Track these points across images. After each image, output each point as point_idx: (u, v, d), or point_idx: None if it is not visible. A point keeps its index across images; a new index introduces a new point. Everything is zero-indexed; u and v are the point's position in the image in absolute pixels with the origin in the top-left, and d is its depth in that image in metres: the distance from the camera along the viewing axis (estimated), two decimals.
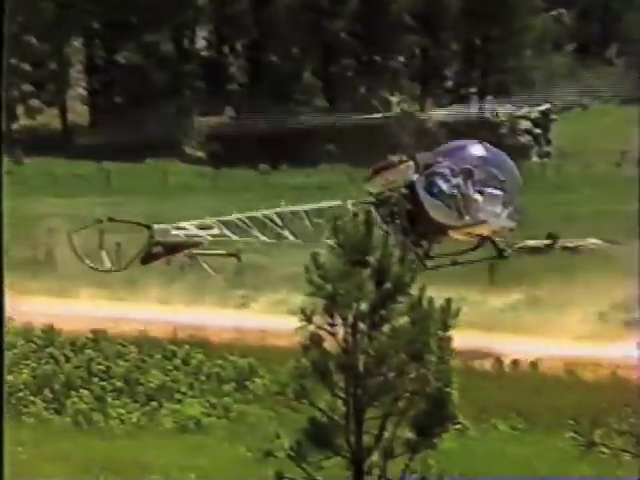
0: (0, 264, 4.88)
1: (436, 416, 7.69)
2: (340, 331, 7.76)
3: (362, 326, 7.76)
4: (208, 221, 25.71)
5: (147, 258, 26.60)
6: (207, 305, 28.79)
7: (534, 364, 22.65)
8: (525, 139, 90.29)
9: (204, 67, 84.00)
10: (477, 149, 26.60)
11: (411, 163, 26.17)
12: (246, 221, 24.79)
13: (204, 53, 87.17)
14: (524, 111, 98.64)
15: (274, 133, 79.57)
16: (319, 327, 7.78)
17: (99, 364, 22.00)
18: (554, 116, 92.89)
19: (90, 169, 64.18)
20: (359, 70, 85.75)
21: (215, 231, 25.99)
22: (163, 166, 70.52)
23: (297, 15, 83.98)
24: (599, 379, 21.30)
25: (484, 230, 25.15)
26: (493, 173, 25.77)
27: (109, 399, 19.69)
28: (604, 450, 5.29)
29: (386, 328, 7.71)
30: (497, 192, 25.16)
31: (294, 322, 7.86)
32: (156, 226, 26.62)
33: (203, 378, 21.38)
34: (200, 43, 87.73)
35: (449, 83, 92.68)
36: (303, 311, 7.84)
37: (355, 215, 7.58)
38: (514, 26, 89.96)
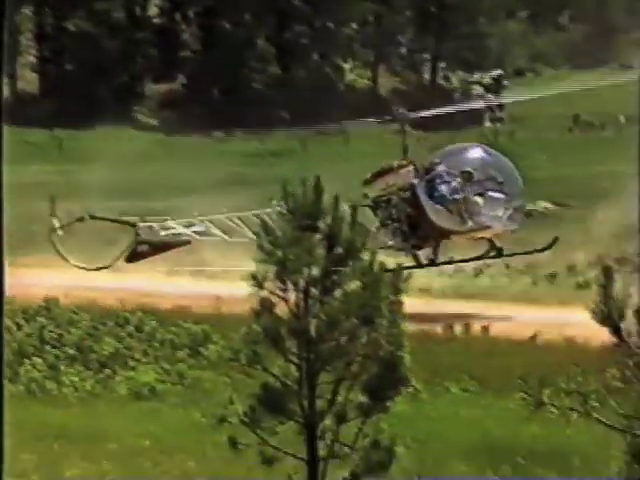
0: (0, 261, 4.84)
1: (388, 380, 7.72)
2: (292, 296, 7.76)
3: (314, 291, 7.76)
4: (195, 220, 25.54)
5: (133, 256, 26.32)
6: (159, 272, 28.69)
7: (485, 328, 22.85)
8: (478, 104, 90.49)
9: (156, 34, 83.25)
10: (476, 152, 26.56)
11: (411, 167, 26.01)
12: (236, 220, 24.60)
13: (156, 20, 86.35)
14: (477, 77, 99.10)
15: (227, 100, 79.15)
16: (271, 293, 7.77)
17: (51, 332, 21.90)
18: (506, 82, 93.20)
19: (42, 137, 63.59)
20: (313, 37, 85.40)
21: (201, 228, 25.80)
22: (115, 133, 69.99)
23: None
24: (548, 341, 21.53)
25: (487, 234, 25.17)
26: (492, 175, 25.73)
27: (62, 367, 19.61)
28: (552, 410, 5.33)
29: (337, 293, 7.71)
30: (498, 195, 25.11)
31: (247, 288, 7.84)
32: (141, 224, 26.31)
33: (157, 345, 21.37)
34: (152, 10, 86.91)
35: (403, 50, 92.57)
36: (254, 277, 7.81)
37: (305, 181, 7.56)
38: None
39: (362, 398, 7.78)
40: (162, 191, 52.38)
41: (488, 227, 25.30)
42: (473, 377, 18.75)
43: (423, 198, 25.68)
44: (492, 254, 26.38)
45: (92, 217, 26.26)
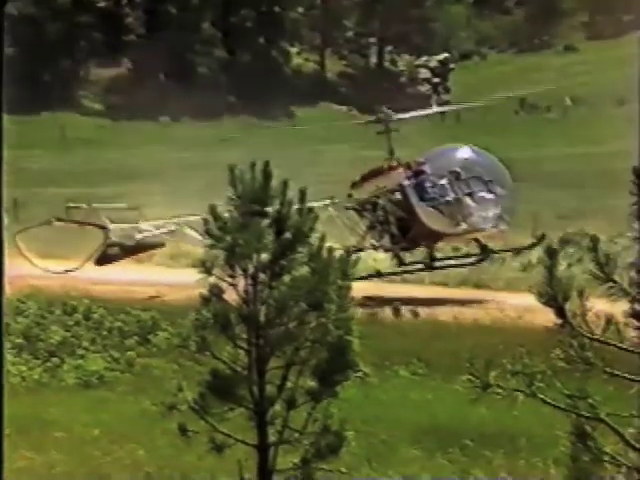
0: (0, 262, 4.75)
1: (337, 364, 7.73)
2: (240, 282, 7.72)
3: (262, 276, 7.73)
4: (170, 221, 25.05)
5: (103, 259, 25.81)
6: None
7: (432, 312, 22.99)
8: (424, 88, 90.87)
9: (101, 18, 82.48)
10: (464, 152, 26.32)
11: (401, 169, 25.67)
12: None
13: (100, 4, 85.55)
14: (423, 60, 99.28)
15: (174, 85, 78.67)
16: (219, 278, 7.73)
17: None
18: (452, 65, 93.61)
19: None
20: (258, 21, 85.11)
21: (172, 227, 25.37)
22: (60, 119, 69.33)
23: None
24: (495, 323, 21.71)
25: (479, 236, 24.84)
26: (480, 174, 25.46)
27: (9, 356, 19.45)
28: (499, 391, 5.38)
29: (286, 278, 7.69)
30: (488, 196, 24.80)
31: (195, 274, 7.81)
32: (112, 226, 25.79)
33: (105, 333, 21.23)
34: None
35: (349, 33, 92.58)
36: (203, 263, 7.77)
37: (252, 165, 7.53)
38: None
39: (311, 383, 7.78)
40: (109, 177, 52.04)
41: (481, 229, 24.88)
42: (422, 360, 18.86)
43: (414, 200, 25.26)
44: (483, 255, 25.90)
45: (59, 220, 25.78)
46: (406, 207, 25.72)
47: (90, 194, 35.67)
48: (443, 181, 25.60)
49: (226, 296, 7.73)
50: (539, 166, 45.87)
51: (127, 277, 26.16)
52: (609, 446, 5.61)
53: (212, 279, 7.74)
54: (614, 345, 5.55)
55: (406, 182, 25.77)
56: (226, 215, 7.70)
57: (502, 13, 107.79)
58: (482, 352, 6.61)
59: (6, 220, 26.47)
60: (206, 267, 7.70)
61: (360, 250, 25.50)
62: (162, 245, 25.72)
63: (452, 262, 25.71)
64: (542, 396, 5.55)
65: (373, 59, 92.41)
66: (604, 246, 5.70)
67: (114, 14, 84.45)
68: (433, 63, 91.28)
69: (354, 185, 26.43)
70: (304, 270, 7.66)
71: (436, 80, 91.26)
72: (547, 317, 5.74)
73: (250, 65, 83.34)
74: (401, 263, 25.84)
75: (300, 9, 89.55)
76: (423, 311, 23.10)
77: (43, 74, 74.56)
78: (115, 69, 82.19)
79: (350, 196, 26.40)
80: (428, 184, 25.60)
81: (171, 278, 24.84)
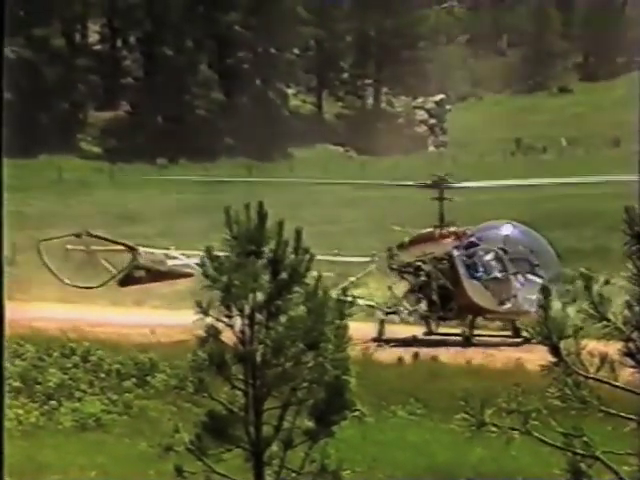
0: (0, 266, 4.78)
1: (334, 404, 7.73)
2: (237, 322, 7.74)
3: (259, 317, 7.75)
4: (193, 251, 24.19)
5: (127, 281, 25.52)
6: (105, 302, 28.48)
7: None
8: (421, 129, 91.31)
9: (97, 61, 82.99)
10: (506, 229, 25.93)
11: (451, 239, 25.30)
12: None
13: (97, 47, 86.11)
14: (419, 101, 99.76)
15: (171, 127, 79.01)
16: (216, 319, 7.75)
17: None
18: (448, 106, 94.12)
19: None
20: (255, 62, 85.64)
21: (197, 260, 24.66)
22: (58, 162, 69.56)
23: (190, 7, 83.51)
24: (491, 363, 21.66)
25: (521, 318, 23.94)
26: (526, 254, 25.00)
27: (6, 400, 19.39)
28: (494, 429, 5.41)
29: (283, 318, 7.71)
30: (535, 278, 24.22)
31: (193, 316, 7.84)
32: (141, 249, 25.54)
33: (103, 375, 21.19)
34: (93, 37, 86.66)
35: (345, 74, 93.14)
36: (199, 304, 7.80)
37: (247, 206, 7.58)
38: (407, 18, 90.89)
39: (309, 423, 7.78)
40: (107, 219, 52.11)
41: (526, 311, 23.22)
42: (419, 400, 18.83)
43: (462, 272, 24.91)
44: (524, 339, 24.58)
45: (89, 234, 25.55)
46: (452, 277, 25.08)
47: None
48: (490, 256, 25.19)
49: (223, 337, 7.75)
50: (535, 206, 46.01)
51: (126, 319, 26.15)
52: None
53: (209, 320, 7.76)
54: (608, 383, 5.57)
55: (456, 252, 25.25)
56: (222, 256, 7.73)
57: (496, 54, 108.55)
58: (478, 391, 6.63)
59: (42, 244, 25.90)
60: (203, 308, 7.73)
61: (394, 313, 25.27)
62: (190, 275, 24.94)
63: (491, 340, 24.86)
64: (537, 434, 5.58)
65: (370, 100, 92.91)
66: (598, 285, 5.74)
67: (111, 57, 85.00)
68: (429, 104, 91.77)
69: (400, 247, 25.84)
70: (301, 310, 7.69)
71: (433, 121, 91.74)
72: (542, 356, 5.78)
73: (247, 107, 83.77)
74: (430, 332, 25.31)
75: (296, 50, 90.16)
76: (422, 352, 23.09)
77: (41, 117, 74.90)
78: (113, 112, 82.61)
79: (391, 256, 25.85)
80: (479, 258, 25.18)
81: (169, 319, 24.83)
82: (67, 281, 24.86)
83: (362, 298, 25.13)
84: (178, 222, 52.25)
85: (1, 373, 4.82)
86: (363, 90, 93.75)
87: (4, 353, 4.90)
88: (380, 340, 23.95)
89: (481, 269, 25.18)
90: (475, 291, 24.87)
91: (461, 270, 25.05)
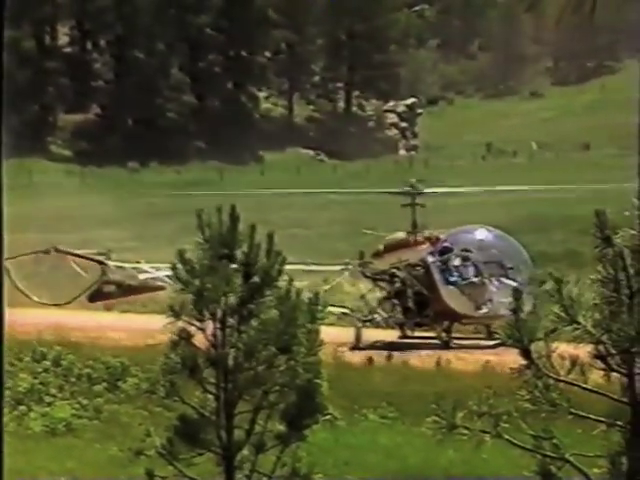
0: (0, 266, 4.75)
1: (306, 408, 7.74)
2: (209, 326, 7.73)
3: (231, 320, 7.75)
4: (163, 265, 23.62)
5: (96, 296, 25.15)
6: (75, 306, 28.34)
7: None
8: (392, 133, 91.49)
9: (68, 64, 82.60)
10: (480, 233, 25.87)
11: (426, 245, 25.18)
12: None
13: (67, 49, 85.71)
14: (390, 105, 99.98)
15: (142, 130, 78.78)
16: (188, 323, 7.74)
17: None
18: (419, 110, 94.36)
19: None
20: (226, 65, 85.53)
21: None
22: (28, 165, 69.17)
23: (161, 10, 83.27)
24: (463, 366, 21.73)
25: (496, 322, 23.82)
26: (500, 258, 24.98)
27: None
28: (465, 432, 5.43)
29: (255, 322, 7.71)
30: (510, 282, 24.07)
31: (164, 320, 7.82)
32: (111, 264, 25.15)
33: (73, 379, 21.07)
34: (62, 39, 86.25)
35: (316, 78, 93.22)
36: (171, 307, 7.78)
37: (219, 209, 7.57)
38: (378, 22, 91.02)
39: (280, 427, 7.78)
40: (77, 223, 51.86)
41: (501, 316, 23.71)
42: (391, 404, 18.86)
43: (438, 278, 24.83)
44: (501, 341, 24.49)
45: (57, 250, 25.29)
46: (427, 283, 25.04)
47: (59, 240, 35.50)
48: (464, 261, 25.18)
49: (194, 340, 7.74)
50: (506, 210, 46.19)
51: (97, 323, 26.03)
52: None
53: (181, 323, 7.75)
54: (578, 386, 5.61)
55: (430, 259, 25.22)
56: (194, 259, 7.73)
57: (467, 58, 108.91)
58: (450, 394, 6.66)
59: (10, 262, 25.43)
60: (175, 311, 7.72)
61: (369, 321, 25.23)
62: (162, 288, 24.46)
63: (467, 343, 24.85)
64: (508, 437, 5.60)
65: (341, 104, 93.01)
66: (568, 289, 5.77)
67: (81, 60, 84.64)
68: (401, 108, 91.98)
69: (375, 255, 25.80)
70: (273, 313, 7.69)
71: (404, 125, 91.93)
72: (513, 358, 5.80)
73: (219, 110, 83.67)
74: (405, 336, 25.29)
75: (267, 53, 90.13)
76: (393, 355, 23.12)
77: (10, 120, 74.46)
78: (83, 115, 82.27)
79: (364, 264, 25.80)
80: (454, 264, 25.15)
81: (141, 323, 24.74)
82: (35, 299, 24.65)
83: (336, 306, 25.12)
84: (149, 226, 52.07)
85: (1, 376, 4.79)
86: (334, 93, 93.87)
87: (4, 357, 4.87)
88: (358, 348, 23.92)
89: (456, 274, 25.17)
90: (451, 297, 24.86)
91: (436, 276, 25.02)
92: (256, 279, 7.62)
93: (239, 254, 7.59)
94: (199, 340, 7.66)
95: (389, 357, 22.69)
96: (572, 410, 5.63)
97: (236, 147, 78.50)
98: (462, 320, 25.23)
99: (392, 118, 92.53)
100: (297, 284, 7.84)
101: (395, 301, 25.27)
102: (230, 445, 7.57)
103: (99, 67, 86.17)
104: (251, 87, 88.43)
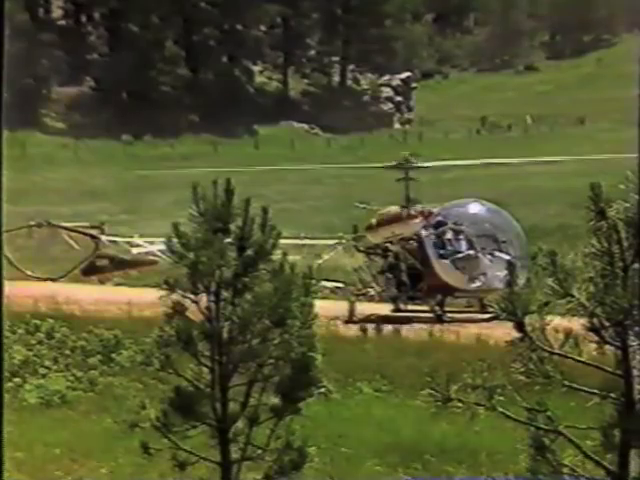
0: (0, 263, 4.76)
1: (300, 381, 7.76)
2: (203, 299, 7.74)
3: (225, 294, 7.75)
4: (158, 239, 23.39)
5: (90, 270, 25.07)
6: (69, 279, 28.33)
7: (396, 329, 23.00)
8: (387, 107, 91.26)
9: (62, 36, 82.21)
10: (474, 207, 25.77)
11: (420, 219, 25.08)
12: None
13: (61, 22, 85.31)
14: (385, 79, 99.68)
15: (136, 103, 78.51)
16: (182, 296, 7.74)
17: None
18: (415, 84, 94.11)
19: None
20: (221, 39, 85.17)
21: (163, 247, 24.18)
22: (22, 138, 68.93)
23: None
24: (457, 338, 21.80)
25: (490, 295, 23.76)
26: (493, 232, 24.91)
27: None
28: (459, 405, 5.45)
29: (249, 295, 7.72)
30: (502, 255, 24.00)
31: (158, 293, 7.82)
32: (104, 237, 25.01)
33: (68, 352, 21.11)
34: (56, 12, 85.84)
35: (311, 52, 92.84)
36: (166, 280, 7.78)
37: (215, 182, 7.56)
38: None
39: (274, 400, 7.79)
40: (70, 196, 51.79)
41: (495, 289, 22.67)
42: (385, 377, 18.90)
43: (431, 252, 24.73)
44: (495, 314, 24.36)
45: (49, 224, 25.19)
46: (421, 257, 24.89)
47: (52, 213, 35.46)
48: (458, 235, 25.10)
49: (189, 313, 7.74)
50: (500, 184, 46.17)
51: (91, 296, 26.02)
52: (568, 458, 5.68)
53: (175, 296, 7.75)
54: (572, 358, 5.62)
55: (424, 232, 25.12)
56: (189, 233, 7.72)
57: (463, 32, 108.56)
58: (444, 367, 6.68)
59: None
60: (169, 284, 7.72)
61: (363, 294, 25.21)
62: (154, 263, 24.36)
63: (461, 317, 24.79)
64: (502, 409, 5.62)
65: (336, 78, 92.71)
66: (562, 261, 5.78)
67: (76, 32, 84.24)
68: (396, 82, 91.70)
69: (369, 228, 25.74)
70: (267, 287, 7.69)
71: (399, 99, 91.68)
72: (506, 332, 5.81)
73: (213, 83, 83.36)
74: (398, 310, 25.25)
75: (262, 27, 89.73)
76: (386, 328, 23.17)
77: (4, 92, 74.13)
78: (77, 88, 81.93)
79: (358, 238, 25.74)
80: (447, 237, 25.05)
81: (134, 296, 24.75)
82: (29, 272, 24.62)
83: (330, 280, 25.12)
84: (143, 199, 52.00)
85: (0, 373, 4.78)
86: (329, 67, 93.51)
87: (3, 356, 4.87)
88: (352, 322, 23.94)
89: (449, 248, 25.15)
90: (445, 270, 24.84)
91: (430, 250, 24.99)
92: (250, 253, 7.61)
93: (234, 228, 7.59)
94: (193, 313, 7.66)
95: (379, 330, 22.70)
96: (566, 382, 5.64)
97: (230, 121, 78.29)
98: (455, 293, 25.25)
99: (387, 92, 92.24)
100: (291, 258, 7.85)
101: (389, 275, 25.29)
102: (225, 418, 7.59)
103: (93, 40, 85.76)
104: (246, 61, 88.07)
